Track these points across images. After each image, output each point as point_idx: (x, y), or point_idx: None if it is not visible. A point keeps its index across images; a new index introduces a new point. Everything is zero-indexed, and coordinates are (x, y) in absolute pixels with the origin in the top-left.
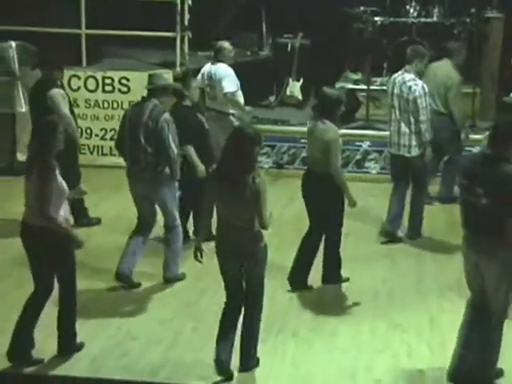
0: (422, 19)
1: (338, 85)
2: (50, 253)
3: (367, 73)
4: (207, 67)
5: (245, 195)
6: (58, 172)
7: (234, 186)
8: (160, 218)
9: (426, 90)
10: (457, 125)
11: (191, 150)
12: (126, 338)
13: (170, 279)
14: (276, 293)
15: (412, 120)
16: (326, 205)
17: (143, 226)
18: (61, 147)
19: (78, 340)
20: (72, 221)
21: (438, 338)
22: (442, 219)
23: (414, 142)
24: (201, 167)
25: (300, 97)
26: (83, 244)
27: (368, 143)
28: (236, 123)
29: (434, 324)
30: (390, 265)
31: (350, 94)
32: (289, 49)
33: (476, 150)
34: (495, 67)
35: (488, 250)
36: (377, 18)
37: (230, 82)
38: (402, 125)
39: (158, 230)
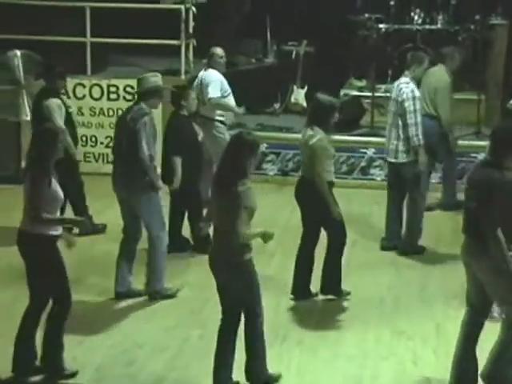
0: (427, 26)
1: (342, 92)
2: (43, 261)
3: (372, 80)
4: (200, 74)
5: (228, 202)
6: (54, 180)
7: (223, 192)
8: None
9: (416, 93)
10: (444, 127)
11: (178, 162)
12: (132, 346)
13: (152, 295)
14: (280, 301)
15: (400, 123)
16: (317, 211)
17: (129, 237)
18: (60, 155)
19: (77, 363)
20: (77, 229)
21: (444, 345)
22: (446, 226)
23: (400, 148)
24: (176, 183)
25: (305, 104)
26: (74, 244)
27: (373, 150)
28: (221, 129)
29: (439, 331)
30: (395, 272)
31: (354, 100)
32: (293, 56)
33: (481, 156)
34: (500, 74)
35: (479, 256)
36: (381, 25)
37: (214, 88)
38: (393, 129)
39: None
